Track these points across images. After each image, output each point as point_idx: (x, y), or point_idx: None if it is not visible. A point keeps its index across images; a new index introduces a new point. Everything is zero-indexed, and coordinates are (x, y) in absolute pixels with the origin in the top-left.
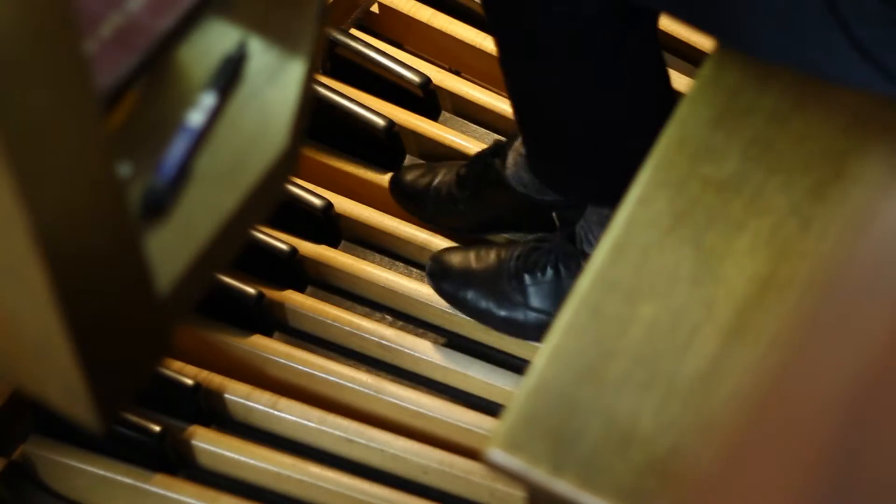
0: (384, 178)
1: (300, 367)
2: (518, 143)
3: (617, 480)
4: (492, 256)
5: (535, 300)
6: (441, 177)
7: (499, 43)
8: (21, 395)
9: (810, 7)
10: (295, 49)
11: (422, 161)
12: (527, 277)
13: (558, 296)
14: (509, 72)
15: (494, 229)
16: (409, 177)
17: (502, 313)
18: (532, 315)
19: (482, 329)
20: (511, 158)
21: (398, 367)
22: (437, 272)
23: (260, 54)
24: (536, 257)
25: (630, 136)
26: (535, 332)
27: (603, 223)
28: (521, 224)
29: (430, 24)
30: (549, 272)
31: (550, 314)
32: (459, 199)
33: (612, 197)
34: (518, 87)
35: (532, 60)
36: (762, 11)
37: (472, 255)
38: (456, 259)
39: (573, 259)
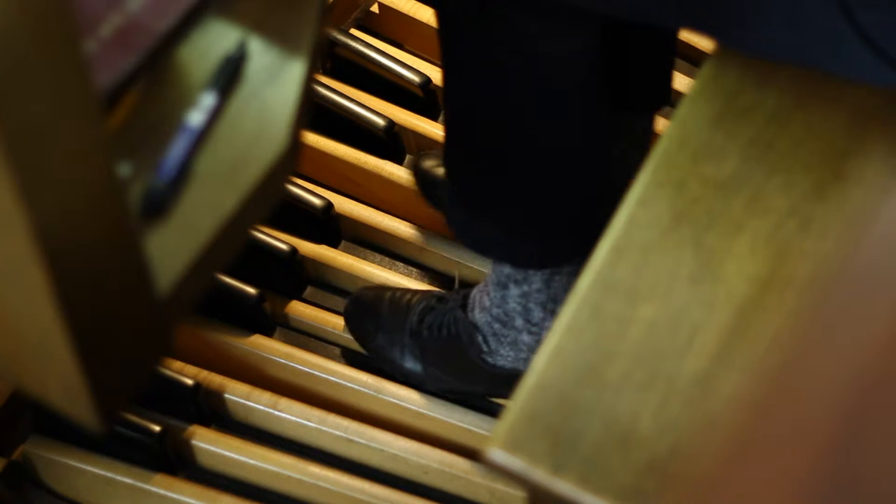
0: (384, 177)
1: (300, 367)
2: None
3: (617, 480)
4: (402, 305)
5: (431, 356)
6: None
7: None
8: (21, 395)
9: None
10: (295, 49)
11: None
12: (425, 333)
13: (448, 356)
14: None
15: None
16: (428, 164)
17: (406, 365)
18: (429, 370)
19: None
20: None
21: None
22: (352, 313)
23: (260, 54)
24: (432, 318)
25: (575, 176)
26: (434, 385)
27: (503, 283)
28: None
29: (430, 24)
30: (444, 332)
31: (444, 372)
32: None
33: (532, 254)
34: (463, 109)
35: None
36: (764, 8)
37: (386, 301)
38: (371, 302)
39: (462, 325)
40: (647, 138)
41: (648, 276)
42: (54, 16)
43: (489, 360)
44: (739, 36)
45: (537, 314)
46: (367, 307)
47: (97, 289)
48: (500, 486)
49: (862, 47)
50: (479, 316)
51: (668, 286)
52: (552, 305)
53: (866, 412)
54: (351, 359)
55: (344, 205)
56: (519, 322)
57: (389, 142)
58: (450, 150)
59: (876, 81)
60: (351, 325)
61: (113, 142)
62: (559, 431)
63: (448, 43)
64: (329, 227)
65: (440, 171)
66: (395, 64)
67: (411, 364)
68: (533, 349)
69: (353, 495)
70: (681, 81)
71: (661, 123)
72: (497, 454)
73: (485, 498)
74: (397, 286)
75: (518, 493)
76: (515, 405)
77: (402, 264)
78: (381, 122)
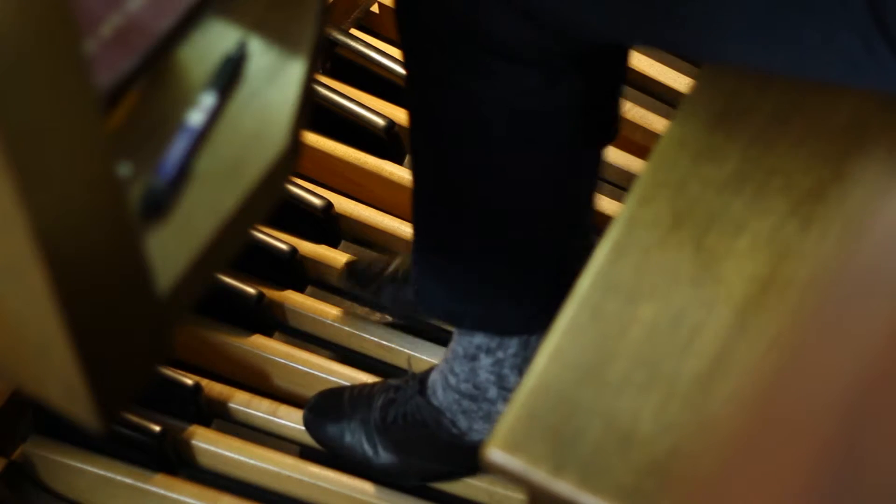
0: (384, 177)
1: (300, 367)
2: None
3: (617, 480)
4: (363, 401)
5: (405, 447)
6: (397, 261)
7: (416, 120)
8: (21, 395)
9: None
10: (295, 49)
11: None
12: (392, 427)
13: (421, 443)
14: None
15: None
16: (363, 263)
17: (381, 461)
18: (406, 461)
19: None
20: None
21: (398, 367)
22: (312, 421)
23: (260, 54)
24: (395, 410)
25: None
26: (415, 476)
27: (471, 355)
28: None
29: None
30: (410, 421)
31: (423, 459)
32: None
33: (507, 319)
34: (432, 173)
35: (460, 144)
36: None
37: (346, 400)
38: (330, 405)
39: (426, 410)
40: (597, 171)
41: (648, 276)
42: (54, 16)
43: (465, 439)
44: (766, 60)
45: (512, 379)
46: (327, 412)
47: (97, 289)
48: (499, 489)
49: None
50: (442, 397)
51: (668, 286)
52: (527, 367)
53: (866, 412)
54: (351, 359)
55: (344, 205)
56: (492, 392)
57: (389, 142)
58: (421, 214)
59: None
60: (314, 433)
61: (113, 142)
62: (559, 431)
63: (423, 106)
64: (329, 227)
65: (378, 267)
66: (395, 64)
67: (386, 457)
68: None
69: (353, 495)
70: (681, 81)
71: (661, 123)
72: (497, 454)
73: (484, 500)
74: (352, 384)
75: (517, 496)
76: (515, 405)
77: None
78: (381, 122)
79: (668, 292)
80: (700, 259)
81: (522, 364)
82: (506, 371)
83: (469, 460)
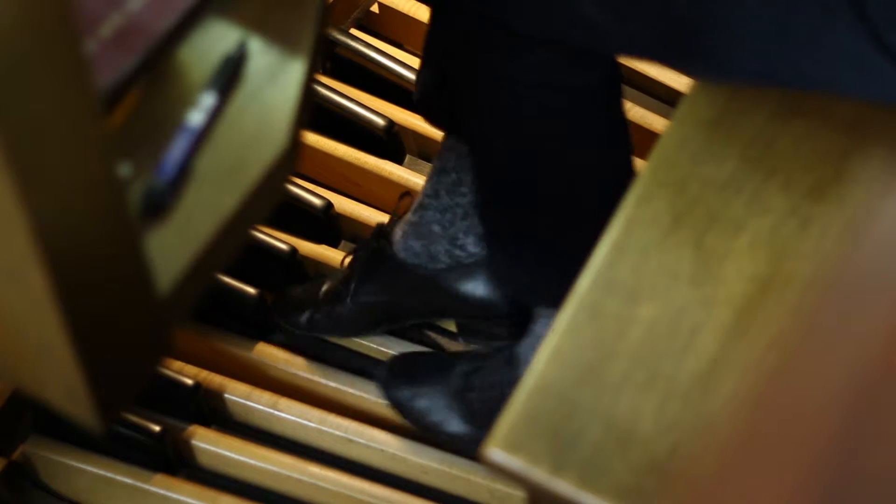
0: (384, 177)
1: (300, 367)
2: (406, 216)
3: (617, 480)
4: (443, 367)
5: (481, 418)
6: (325, 286)
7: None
8: (21, 395)
9: (840, 24)
10: (295, 49)
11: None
12: (472, 395)
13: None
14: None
15: (390, 320)
16: (293, 293)
17: (450, 429)
18: (478, 433)
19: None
20: (399, 230)
21: None
22: (388, 380)
23: (260, 54)
24: (481, 377)
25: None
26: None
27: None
28: (419, 307)
29: None
30: (495, 391)
31: None
32: (346, 294)
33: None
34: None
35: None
36: (789, 39)
37: (423, 365)
38: (408, 368)
39: (515, 382)
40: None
41: (648, 276)
42: (54, 16)
43: None
44: (759, 68)
45: None
46: (401, 373)
47: (97, 289)
48: (500, 487)
49: (891, 68)
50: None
51: (668, 286)
52: None
53: (866, 411)
54: (351, 358)
55: (344, 205)
56: None
57: (389, 142)
58: (486, 208)
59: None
60: (389, 392)
61: (113, 142)
62: (559, 431)
63: (472, 109)
64: (329, 227)
65: (306, 293)
66: (395, 64)
67: (457, 427)
68: None
69: (353, 495)
70: (681, 81)
71: (661, 123)
72: (497, 454)
73: (484, 498)
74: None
75: (518, 494)
76: (515, 405)
77: None
78: (381, 122)
79: (668, 292)
80: (700, 259)
81: None
82: None
83: None
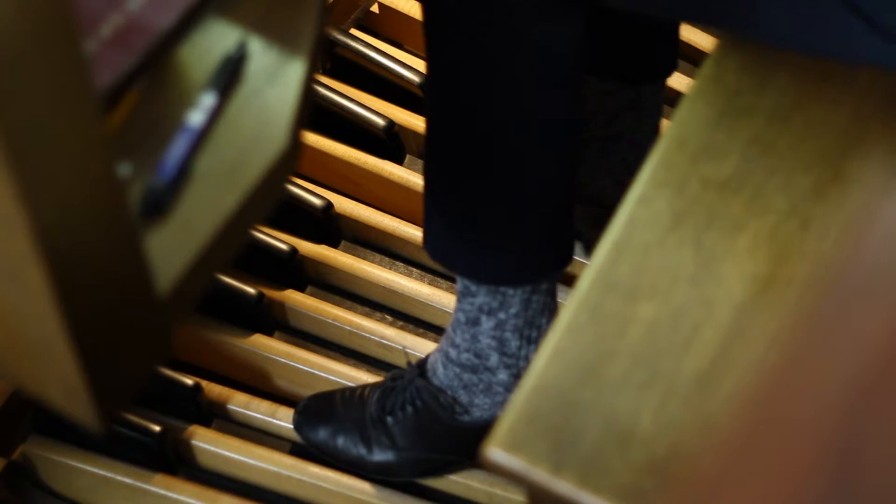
0: (384, 177)
1: (300, 367)
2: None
3: (617, 480)
4: (355, 401)
5: (402, 440)
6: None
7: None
8: (21, 395)
9: None
10: (295, 49)
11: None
12: (389, 419)
13: (421, 432)
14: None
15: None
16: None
17: (375, 458)
18: (404, 455)
19: None
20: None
21: (398, 366)
22: (303, 424)
23: (260, 54)
24: (394, 398)
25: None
26: (411, 470)
27: (472, 319)
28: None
29: None
30: (409, 410)
31: (421, 450)
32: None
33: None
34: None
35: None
36: None
37: (337, 402)
38: (322, 407)
39: (426, 392)
40: (655, 108)
41: (648, 276)
42: (54, 15)
43: (466, 418)
44: (744, 21)
45: (514, 344)
46: (317, 414)
47: (97, 289)
48: (498, 490)
49: (857, 21)
50: (443, 375)
51: (668, 286)
52: (528, 331)
53: (866, 411)
54: (351, 359)
55: (344, 205)
56: (493, 359)
57: (389, 142)
58: (431, 157)
59: (872, 59)
60: (305, 435)
61: (113, 142)
62: (559, 431)
63: (437, 39)
64: (329, 227)
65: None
66: (395, 64)
67: (381, 455)
68: (510, 388)
69: (353, 495)
70: (681, 81)
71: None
72: (497, 454)
73: (482, 501)
74: (352, 383)
75: (516, 497)
76: (515, 405)
77: (402, 264)
78: (381, 122)
79: (668, 292)
80: (700, 258)
81: (524, 327)
82: (507, 334)
83: (467, 445)
